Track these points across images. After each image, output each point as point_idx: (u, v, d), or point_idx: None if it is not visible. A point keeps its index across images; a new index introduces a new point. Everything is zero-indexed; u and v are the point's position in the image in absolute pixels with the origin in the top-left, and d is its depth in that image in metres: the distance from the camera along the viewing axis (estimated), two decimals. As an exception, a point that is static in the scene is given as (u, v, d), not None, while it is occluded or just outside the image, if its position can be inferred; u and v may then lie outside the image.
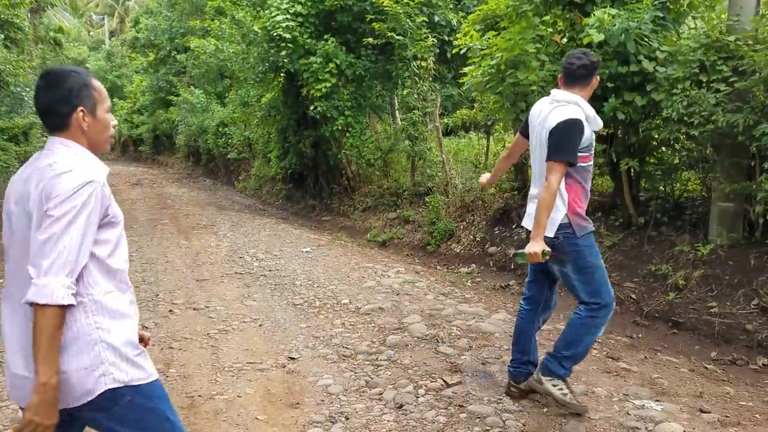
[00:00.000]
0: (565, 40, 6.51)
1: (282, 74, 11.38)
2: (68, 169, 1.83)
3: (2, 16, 11.58)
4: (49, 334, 1.71)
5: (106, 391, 1.85)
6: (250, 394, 3.86)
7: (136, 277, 6.91)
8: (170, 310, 5.65)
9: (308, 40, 10.54)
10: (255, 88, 13.43)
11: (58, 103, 1.90)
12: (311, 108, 10.66)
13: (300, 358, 4.46)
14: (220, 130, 17.40)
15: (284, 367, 4.31)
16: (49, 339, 1.71)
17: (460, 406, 3.64)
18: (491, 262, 7.27)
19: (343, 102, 10.66)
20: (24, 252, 1.82)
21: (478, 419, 3.47)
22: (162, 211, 12.59)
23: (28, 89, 14.47)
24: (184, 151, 22.49)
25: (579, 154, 3.23)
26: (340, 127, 10.68)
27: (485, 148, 9.31)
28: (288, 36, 10.32)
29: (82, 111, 1.92)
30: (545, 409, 3.55)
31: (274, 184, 15.01)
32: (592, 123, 3.35)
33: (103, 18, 43.07)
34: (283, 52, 10.50)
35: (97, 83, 1.99)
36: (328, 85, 10.31)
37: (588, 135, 3.29)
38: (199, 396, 3.84)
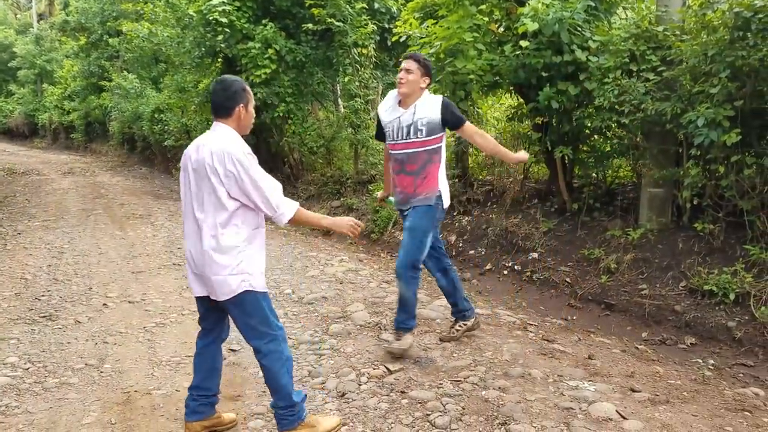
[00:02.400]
0: (501, 29, 6.62)
1: (219, 59, 11.13)
2: (229, 144, 2.83)
3: None
4: (306, 216, 3.12)
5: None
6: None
7: (67, 269, 6.66)
8: (104, 304, 5.47)
9: (246, 25, 10.31)
10: (192, 74, 13.07)
11: (227, 100, 2.91)
12: (251, 95, 10.46)
13: (241, 349, 4.40)
14: (156, 116, 16.84)
15: (225, 359, 4.24)
16: (308, 217, 3.15)
17: (402, 392, 3.68)
18: (433, 249, 7.35)
19: (283, 89, 10.50)
20: (193, 194, 2.91)
21: (419, 404, 3.52)
22: (95, 200, 12.13)
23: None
24: (118, 139, 21.69)
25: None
26: (281, 114, 10.53)
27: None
28: (225, 20, 10.07)
29: (242, 106, 2.93)
30: (483, 392, 3.64)
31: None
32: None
33: (31, 0, 40.91)
34: (220, 37, 10.24)
35: (247, 87, 3.00)
36: (268, 71, 10.13)
37: (383, 122, 4.09)
38: (136, 391, 3.74)
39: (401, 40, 7.47)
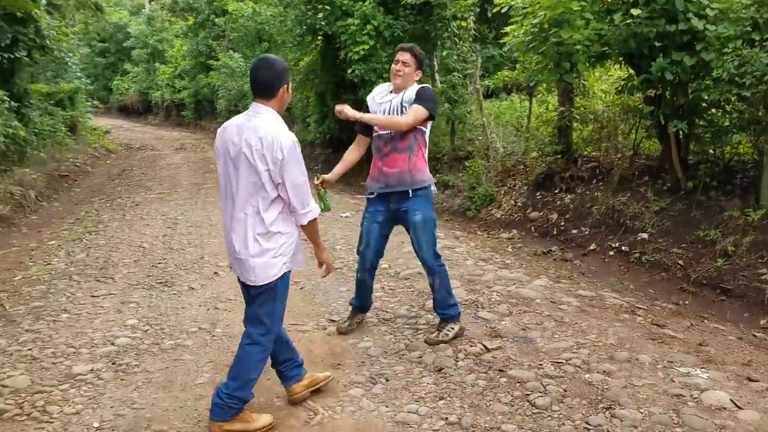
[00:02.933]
0: (612, -3, 6.26)
1: (320, 37, 11.29)
2: (280, 132, 2.77)
3: (44, -18, 11.71)
4: (317, 230, 2.99)
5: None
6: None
7: (181, 239, 7.07)
8: (215, 272, 5.77)
9: (345, 1, 10.38)
10: (293, 52, 13.36)
11: (274, 80, 2.82)
12: (349, 71, 10.57)
13: (340, 320, 4.51)
14: (260, 94, 17.39)
15: (325, 329, 4.38)
16: (317, 233, 3.01)
17: (500, 370, 3.64)
18: (533, 228, 7.18)
19: (381, 65, 10.51)
20: (235, 178, 2.83)
21: (518, 384, 3.47)
22: (205, 175, 12.77)
23: (72, 55, 14.72)
24: (224, 116, 22.60)
25: None
26: (378, 90, 10.56)
27: (528, 111, 9.10)
28: (326, -3, 10.19)
29: (285, 87, 2.87)
30: (587, 375, 3.53)
31: (313, 149, 15.03)
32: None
33: (143, -18, 43.17)
34: (321, 14, 10.38)
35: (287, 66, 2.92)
36: (366, 47, 10.17)
37: (373, 109, 4.09)
38: (243, 356, 3.93)
39: (502, 11, 7.24)
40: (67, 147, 13.63)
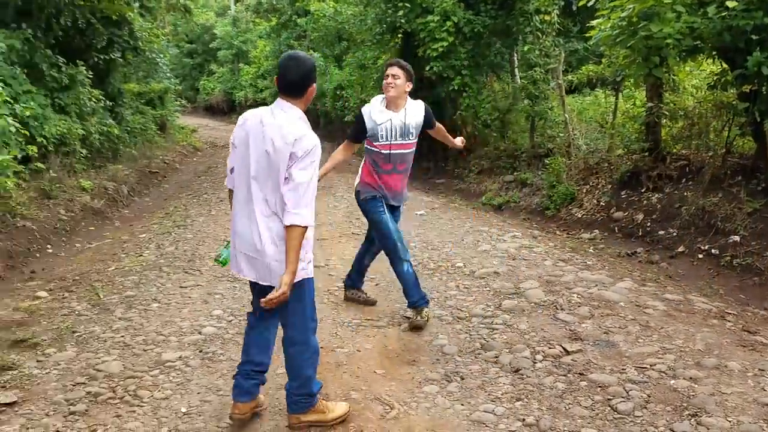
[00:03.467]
0: (705, -13, 5.94)
1: (399, 34, 11.34)
2: (305, 133, 2.70)
3: (137, -15, 12.33)
4: (299, 243, 2.65)
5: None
6: (368, 349, 3.99)
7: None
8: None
9: (426, -2, 10.39)
10: (372, 50, 13.51)
11: (305, 78, 2.74)
12: (427, 68, 10.56)
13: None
14: (338, 93, 17.69)
15: (400, 325, 4.41)
16: (298, 246, 2.65)
17: (581, 374, 3.55)
18: (616, 228, 6.94)
19: (460, 61, 10.46)
20: (255, 173, 2.72)
21: (599, 388, 3.37)
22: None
23: (162, 55, 15.46)
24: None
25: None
26: (456, 88, 10.50)
27: (613, 106, 8.79)
28: (406, -6, 10.23)
29: (313, 86, 2.80)
30: (672, 381, 3.38)
31: (389, 146, 15.14)
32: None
33: (229, -16, 44.65)
34: (401, 12, 10.43)
35: None
36: (445, 44, 10.14)
37: (370, 126, 4.20)
38: (322, 347, 3.99)
39: (588, 4, 7.02)
40: (156, 145, 14.34)
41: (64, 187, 8.09)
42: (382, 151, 4.26)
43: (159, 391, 3.43)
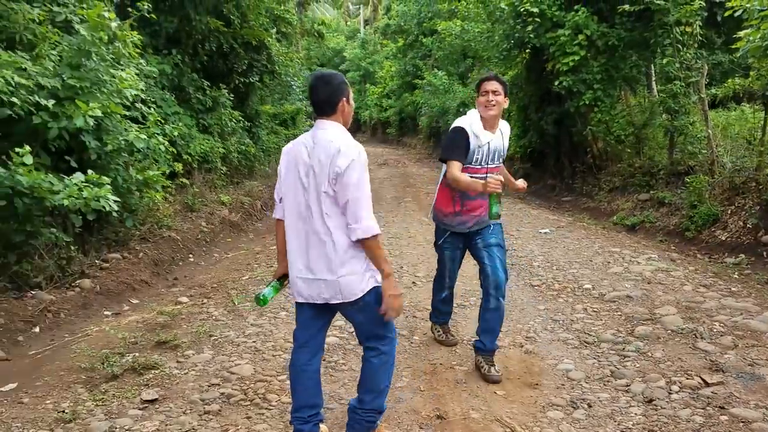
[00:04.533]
0: None
1: (527, 50, 11.15)
2: (348, 144, 2.66)
3: (276, 12, 13.10)
4: (377, 251, 2.68)
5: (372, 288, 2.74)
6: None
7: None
8: (413, 282, 5.94)
9: (556, 12, 10.14)
10: (497, 66, 13.36)
11: (332, 95, 2.71)
12: (556, 83, 10.27)
13: (538, 339, 4.36)
14: (461, 110, 17.67)
15: (522, 346, 4.26)
16: (378, 253, 2.68)
17: (721, 407, 3.24)
18: (765, 253, 6.30)
19: (592, 75, 10.07)
20: (307, 196, 2.69)
21: (742, 423, 3.06)
22: (405, 189, 13.28)
23: (296, 78, 16.29)
24: (425, 132, 23.39)
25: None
26: (587, 102, 10.11)
27: (762, 122, 8.03)
28: (535, 10, 10.05)
29: (345, 99, 2.74)
30: (837, 429, 2.99)
31: (512, 164, 14.83)
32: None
33: (359, 7, 46.42)
34: (530, 27, 10.25)
35: (345, 79, 2.83)
36: (577, 58, 9.83)
37: (474, 145, 3.74)
38: (441, 364, 3.98)
39: (735, 14, 6.50)
40: (288, 163, 15.03)
41: (205, 201, 8.72)
42: (477, 175, 3.73)
43: (286, 395, 3.54)
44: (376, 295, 2.73)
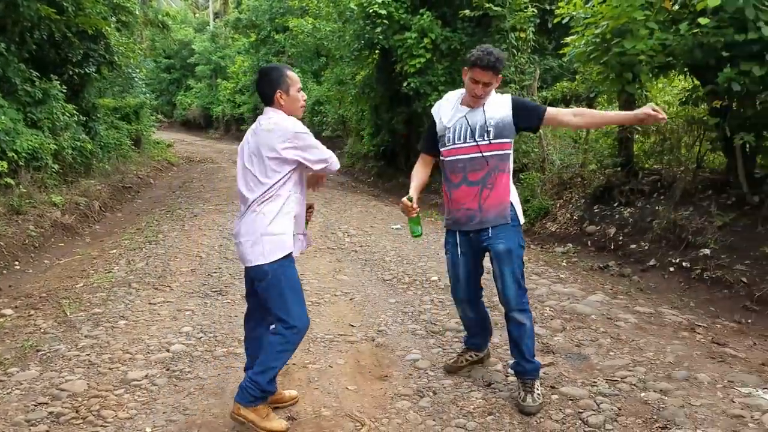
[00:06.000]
0: (676, 6, 6.06)
1: (377, 51, 11.41)
2: (281, 121, 3.00)
3: (115, 1, 12.26)
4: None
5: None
6: (340, 365, 3.93)
7: (232, 249, 7.20)
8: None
9: (404, 15, 10.47)
10: (350, 66, 13.56)
11: (267, 88, 3.06)
12: (404, 84, 10.62)
13: (389, 332, 4.49)
14: (316, 108, 17.73)
15: (373, 340, 4.36)
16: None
17: (552, 387, 3.54)
18: (589, 242, 6.99)
19: (437, 77, 10.53)
20: (246, 177, 3.08)
21: (570, 401, 3.36)
22: (261, 187, 13.00)
23: (138, 70, 15.35)
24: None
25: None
26: (433, 103, 10.56)
27: (585, 123, 8.90)
28: (384, 12, 10.30)
29: (279, 92, 3.04)
30: (642, 394, 3.38)
31: (366, 162, 15.16)
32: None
33: (208, 0, 44.71)
34: (379, 29, 10.49)
35: (290, 73, 3.10)
36: (423, 60, 10.22)
37: (440, 128, 3.44)
38: (294, 364, 3.95)
39: (563, 21, 7.13)
40: (130, 160, 14.18)
41: (34, 202, 7.93)
42: (469, 155, 3.29)
43: (123, 410, 3.33)
44: (285, 265, 3.05)
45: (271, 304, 3.02)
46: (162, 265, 6.46)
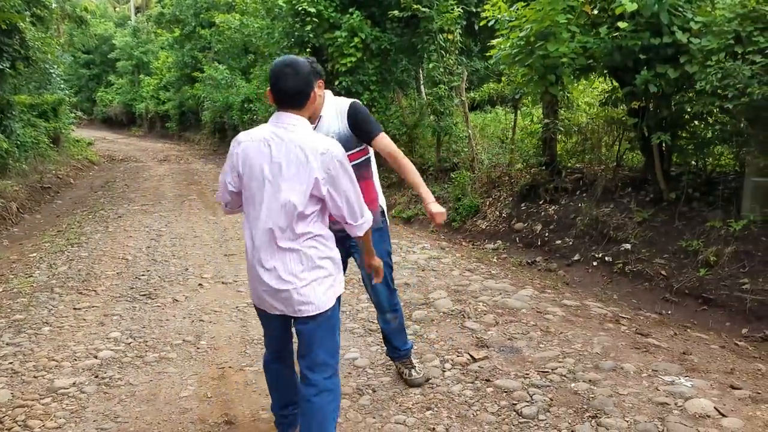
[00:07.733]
0: (596, 11, 6.34)
1: (307, 49, 11.31)
2: (331, 142, 2.42)
3: (29, -6, 11.63)
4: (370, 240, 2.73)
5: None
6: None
7: (165, 251, 7.01)
8: (200, 284, 5.73)
9: (333, 14, 10.43)
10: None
11: (305, 86, 2.37)
12: (336, 83, 10.59)
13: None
14: (246, 106, 17.38)
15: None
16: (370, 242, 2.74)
17: (487, 380, 3.64)
18: (517, 239, 7.21)
19: (368, 77, 10.57)
20: (278, 200, 2.36)
21: (505, 393, 3.47)
22: (189, 187, 12.70)
23: (55, 66, 14.61)
24: (210, 128, 22.55)
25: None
26: (365, 103, 10.60)
27: (512, 123, 9.18)
28: (313, 10, 10.23)
29: (313, 93, 2.44)
30: (572, 384, 3.54)
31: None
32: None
33: (129, -6, 43.06)
34: (308, 27, 10.42)
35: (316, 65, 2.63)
36: (353, 59, 10.22)
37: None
38: (230, 367, 3.90)
39: (489, 24, 7.31)
40: (49, 159, 13.50)
41: (-59, 204, 7.43)
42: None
43: (51, 420, 3.20)
44: (336, 306, 2.58)
45: (318, 347, 2.49)
46: (86, 269, 6.20)
